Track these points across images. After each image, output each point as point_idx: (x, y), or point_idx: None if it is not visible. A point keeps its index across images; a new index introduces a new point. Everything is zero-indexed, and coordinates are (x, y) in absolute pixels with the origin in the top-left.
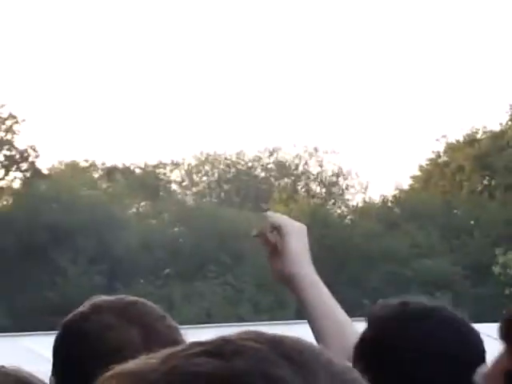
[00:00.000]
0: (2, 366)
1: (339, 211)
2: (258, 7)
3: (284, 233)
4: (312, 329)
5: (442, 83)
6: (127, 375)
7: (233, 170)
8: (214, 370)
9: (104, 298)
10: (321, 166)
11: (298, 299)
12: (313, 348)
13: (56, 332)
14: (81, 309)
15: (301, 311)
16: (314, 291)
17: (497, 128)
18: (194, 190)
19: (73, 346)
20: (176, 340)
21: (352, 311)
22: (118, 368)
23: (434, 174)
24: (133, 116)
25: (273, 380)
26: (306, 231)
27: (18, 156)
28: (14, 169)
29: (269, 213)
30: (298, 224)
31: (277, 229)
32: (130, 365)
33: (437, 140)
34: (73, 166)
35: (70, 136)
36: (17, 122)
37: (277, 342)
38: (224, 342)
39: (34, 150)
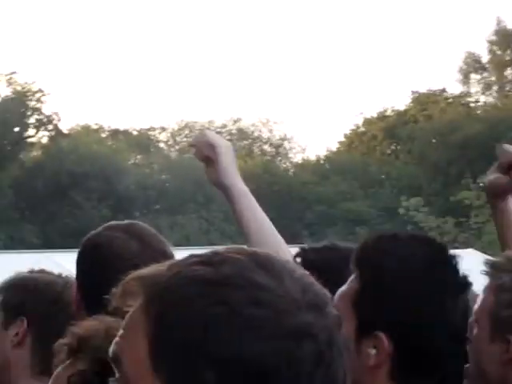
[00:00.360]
0: (60, 274)
1: (284, 166)
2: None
3: (217, 150)
4: (246, 232)
5: (363, 72)
6: (143, 278)
7: None
8: (206, 274)
9: (115, 221)
10: (271, 132)
11: (232, 207)
12: (280, 259)
13: (77, 249)
14: (97, 229)
15: None
16: (244, 200)
17: (402, 108)
18: (177, 147)
19: (89, 254)
20: (165, 251)
21: (293, 239)
22: (135, 273)
23: (355, 140)
24: (133, 91)
25: (253, 283)
26: (232, 150)
27: (45, 120)
28: (42, 129)
29: (206, 131)
30: (226, 143)
31: (212, 145)
32: (144, 271)
33: (357, 115)
34: (87, 128)
35: (84, 105)
36: (44, 95)
37: (255, 255)
38: (213, 254)
39: (57, 115)
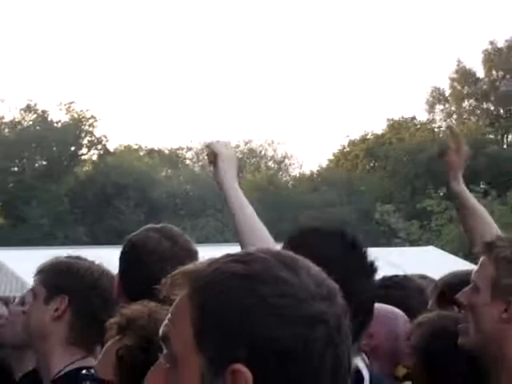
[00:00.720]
0: (94, 261)
1: (285, 179)
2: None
3: (218, 158)
4: (237, 225)
5: (348, 102)
6: (188, 273)
7: None
8: (240, 271)
9: (151, 225)
10: (275, 151)
11: (227, 204)
12: (298, 258)
13: (120, 245)
14: (137, 231)
15: None
16: (235, 200)
17: (379, 132)
18: (200, 163)
19: (129, 252)
20: (190, 248)
21: None
22: (181, 268)
23: (341, 158)
24: (166, 116)
25: (278, 278)
26: (235, 157)
27: (96, 141)
28: (93, 148)
29: (216, 142)
30: (229, 153)
31: (216, 154)
32: (188, 266)
33: (343, 138)
34: (128, 148)
35: (127, 128)
36: (96, 120)
37: (278, 254)
38: (245, 253)
39: (106, 137)
